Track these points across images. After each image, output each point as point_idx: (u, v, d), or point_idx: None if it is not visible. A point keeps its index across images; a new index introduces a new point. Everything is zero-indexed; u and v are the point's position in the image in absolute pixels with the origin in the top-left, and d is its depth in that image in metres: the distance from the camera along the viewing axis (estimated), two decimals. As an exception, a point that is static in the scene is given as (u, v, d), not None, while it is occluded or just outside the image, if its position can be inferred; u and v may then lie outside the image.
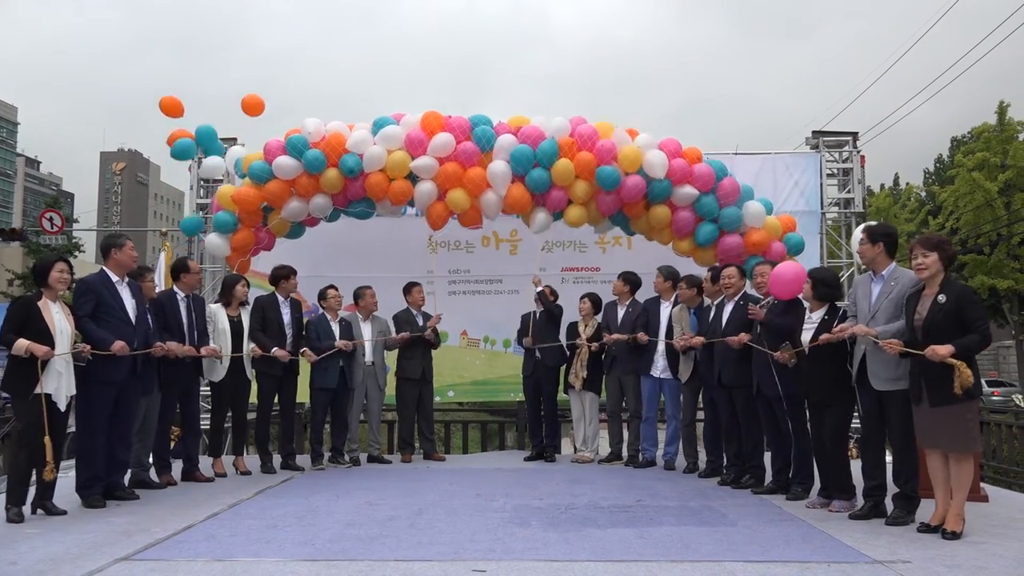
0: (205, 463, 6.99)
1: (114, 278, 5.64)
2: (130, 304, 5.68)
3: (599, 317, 7.85)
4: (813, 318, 5.42)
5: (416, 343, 7.91)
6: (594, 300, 7.92)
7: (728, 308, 6.43)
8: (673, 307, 7.27)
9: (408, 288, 8.11)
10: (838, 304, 5.48)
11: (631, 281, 7.66)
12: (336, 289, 7.64)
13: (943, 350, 4.32)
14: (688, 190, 7.50)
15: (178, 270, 6.66)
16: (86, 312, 5.43)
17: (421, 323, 7.95)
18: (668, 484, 6.52)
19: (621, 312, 7.62)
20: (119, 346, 5.35)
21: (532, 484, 6.50)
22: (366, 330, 7.74)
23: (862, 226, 6.02)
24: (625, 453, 7.78)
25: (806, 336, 5.35)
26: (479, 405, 12.30)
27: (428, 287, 8.66)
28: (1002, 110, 25.08)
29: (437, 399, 9.40)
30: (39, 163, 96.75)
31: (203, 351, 6.59)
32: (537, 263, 8.50)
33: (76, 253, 29.60)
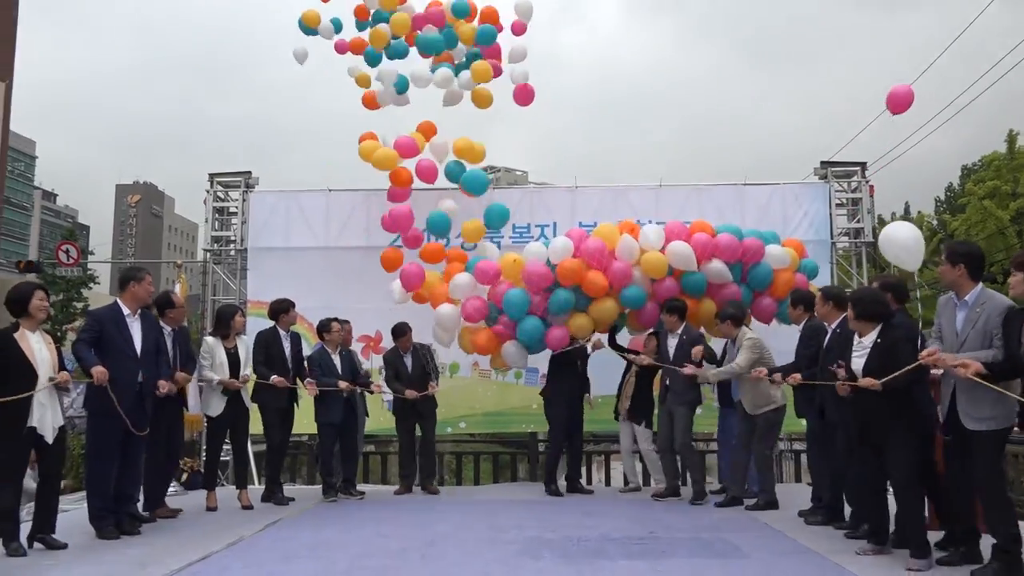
0: (188, 499, 6.99)
1: (126, 311, 5.64)
2: (138, 337, 5.65)
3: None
4: (865, 343, 4.83)
5: (408, 385, 7.77)
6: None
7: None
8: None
9: (397, 334, 7.87)
10: (894, 322, 4.86)
11: (677, 309, 7.20)
12: (339, 322, 7.61)
13: None
14: (717, 265, 7.33)
15: (163, 306, 6.54)
16: (84, 339, 5.41)
17: (410, 364, 7.85)
18: (681, 516, 6.48)
19: (673, 342, 7.22)
20: (98, 372, 5.20)
21: (545, 516, 6.48)
22: (336, 362, 7.53)
23: (944, 245, 5.76)
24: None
25: (857, 364, 4.83)
26: (491, 436, 12.25)
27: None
28: (1012, 139, 25.06)
29: (448, 430, 9.41)
30: (56, 196, 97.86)
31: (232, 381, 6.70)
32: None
33: (91, 285, 29.82)
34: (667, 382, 7.26)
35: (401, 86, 8.90)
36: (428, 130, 8.74)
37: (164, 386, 5.92)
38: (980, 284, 4.48)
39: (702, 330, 7.52)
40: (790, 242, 7.99)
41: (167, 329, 6.47)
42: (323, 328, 7.55)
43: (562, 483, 7.90)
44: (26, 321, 5.06)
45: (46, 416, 5.00)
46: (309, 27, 9.35)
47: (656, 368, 7.45)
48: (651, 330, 7.71)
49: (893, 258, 6.99)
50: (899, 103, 6.68)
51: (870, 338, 4.79)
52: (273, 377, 6.96)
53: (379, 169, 8.37)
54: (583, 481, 8.39)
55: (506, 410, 9.37)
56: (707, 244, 7.33)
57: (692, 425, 7.27)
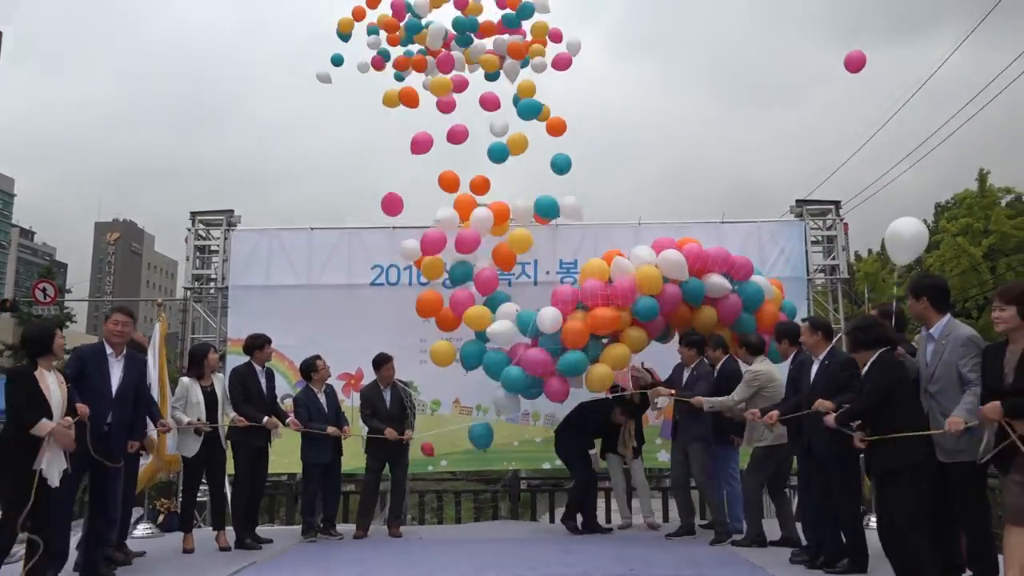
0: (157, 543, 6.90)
1: (108, 351, 5.64)
2: (117, 378, 5.61)
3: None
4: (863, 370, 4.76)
5: (387, 422, 7.54)
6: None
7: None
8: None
9: (379, 363, 7.68)
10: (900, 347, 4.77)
11: (695, 343, 7.19)
12: (323, 360, 7.57)
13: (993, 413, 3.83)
14: (716, 279, 7.36)
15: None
16: (67, 375, 5.28)
17: (389, 400, 7.64)
18: (663, 553, 6.47)
19: (685, 374, 7.24)
20: (80, 409, 5.04)
21: (525, 555, 6.44)
22: (322, 402, 7.47)
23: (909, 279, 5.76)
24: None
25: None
26: (472, 475, 12.16)
27: (422, 355, 8.70)
28: (983, 177, 25.63)
29: (429, 468, 9.35)
30: (33, 233, 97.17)
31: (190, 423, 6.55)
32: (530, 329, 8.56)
33: (68, 324, 29.48)
34: (677, 417, 7.18)
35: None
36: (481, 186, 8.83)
37: (132, 446, 5.81)
38: (947, 315, 4.53)
39: (718, 365, 7.20)
40: (771, 281, 8.08)
41: None
42: (309, 367, 7.49)
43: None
44: (45, 360, 4.97)
45: (54, 459, 4.80)
46: (344, 33, 9.58)
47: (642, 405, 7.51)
48: (640, 363, 7.67)
49: (890, 249, 7.08)
50: (855, 64, 7.48)
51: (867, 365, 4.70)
52: (266, 419, 6.89)
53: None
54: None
55: (489, 447, 9.32)
56: (698, 254, 7.35)
57: (709, 461, 7.08)
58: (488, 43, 9.44)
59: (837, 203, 9.92)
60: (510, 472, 10.32)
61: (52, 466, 4.82)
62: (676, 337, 7.67)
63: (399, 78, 9.57)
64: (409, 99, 9.07)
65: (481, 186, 8.78)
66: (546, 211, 8.62)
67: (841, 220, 9.68)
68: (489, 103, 8.99)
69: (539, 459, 9.35)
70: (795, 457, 6.18)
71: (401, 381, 7.88)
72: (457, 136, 8.58)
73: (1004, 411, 3.84)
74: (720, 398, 6.63)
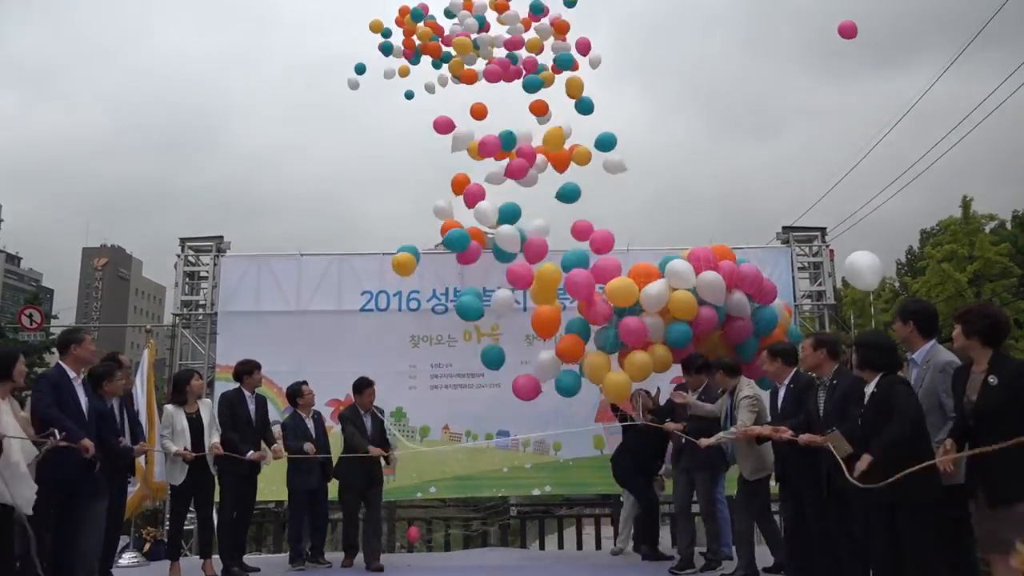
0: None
1: (71, 374, 5.48)
2: (84, 402, 5.50)
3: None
4: (866, 391, 4.55)
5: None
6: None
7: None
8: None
9: (360, 387, 7.38)
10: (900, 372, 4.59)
11: (706, 368, 6.82)
12: (308, 385, 7.47)
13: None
14: (738, 297, 7.02)
15: (99, 377, 6.00)
16: (49, 403, 5.20)
17: (370, 425, 7.28)
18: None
19: (691, 395, 6.82)
20: (86, 444, 5.07)
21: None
22: (310, 427, 7.36)
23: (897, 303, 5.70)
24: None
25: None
26: (461, 501, 12.13)
27: (411, 381, 8.71)
28: (966, 204, 25.94)
29: (418, 495, 9.32)
30: (20, 259, 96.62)
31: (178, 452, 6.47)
32: (519, 356, 8.58)
33: (54, 350, 29.24)
34: (683, 441, 6.64)
35: None
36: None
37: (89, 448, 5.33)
38: (932, 341, 4.51)
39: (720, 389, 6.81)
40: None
41: (113, 401, 6.13)
42: (295, 393, 7.42)
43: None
44: (3, 385, 4.77)
45: (18, 489, 4.57)
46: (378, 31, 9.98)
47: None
48: (638, 387, 7.32)
49: (850, 278, 7.43)
50: (848, 32, 7.57)
51: (870, 387, 4.47)
52: (250, 453, 6.77)
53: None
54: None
55: (476, 474, 9.29)
56: (732, 271, 7.08)
57: (715, 488, 6.77)
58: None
59: (823, 230, 10.05)
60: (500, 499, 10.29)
61: (18, 496, 4.58)
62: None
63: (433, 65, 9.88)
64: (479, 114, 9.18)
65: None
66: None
67: (827, 247, 9.80)
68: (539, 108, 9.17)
69: (529, 485, 9.34)
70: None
71: (377, 408, 7.54)
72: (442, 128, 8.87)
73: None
74: (732, 429, 6.06)
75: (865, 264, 7.01)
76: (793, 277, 9.55)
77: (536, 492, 9.38)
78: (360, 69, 10.08)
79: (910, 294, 29.11)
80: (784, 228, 10.01)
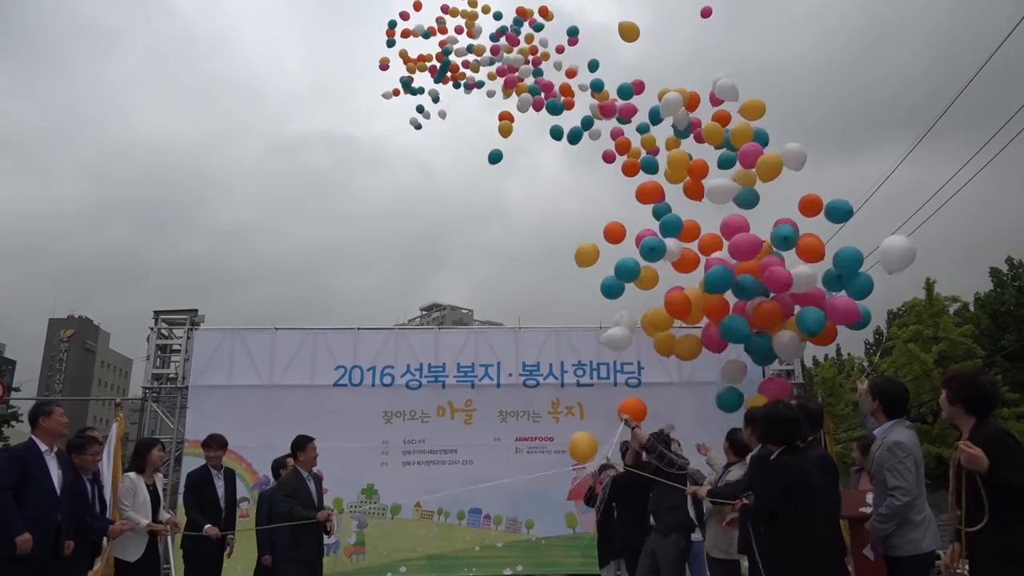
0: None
1: (42, 447, 5.36)
2: (56, 476, 5.32)
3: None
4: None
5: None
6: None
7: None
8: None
9: (302, 444, 6.74)
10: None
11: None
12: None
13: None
14: (804, 269, 7.08)
15: (73, 448, 5.82)
16: (6, 484, 5.01)
17: (313, 487, 6.70)
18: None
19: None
20: (23, 539, 4.83)
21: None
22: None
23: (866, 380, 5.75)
24: None
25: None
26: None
27: (383, 457, 8.64)
28: (929, 286, 26.56)
29: (389, 575, 9.11)
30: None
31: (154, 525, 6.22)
32: (491, 433, 8.60)
33: (13, 423, 28.48)
34: (651, 506, 6.06)
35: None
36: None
37: (69, 546, 5.30)
38: (892, 422, 4.59)
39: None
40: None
41: (86, 476, 5.92)
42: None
43: None
44: None
45: None
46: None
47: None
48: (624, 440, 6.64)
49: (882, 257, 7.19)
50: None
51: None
52: (207, 528, 6.44)
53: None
54: None
55: (449, 553, 9.14)
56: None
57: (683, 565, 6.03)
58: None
59: (791, 309, 10.23)
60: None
61: None
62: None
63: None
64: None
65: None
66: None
67: (794, 326, 9.96)
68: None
69: (500, 565, 9.17)
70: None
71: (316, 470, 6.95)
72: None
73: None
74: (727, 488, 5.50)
75: (899, 245, 6.95)
76: (762, 356, 9.67)
77: (507, 572, 9.22)
78: (495, 157, 9.69)
79: (879, 374, 29.49)
80: (753, 308, 10.18)
